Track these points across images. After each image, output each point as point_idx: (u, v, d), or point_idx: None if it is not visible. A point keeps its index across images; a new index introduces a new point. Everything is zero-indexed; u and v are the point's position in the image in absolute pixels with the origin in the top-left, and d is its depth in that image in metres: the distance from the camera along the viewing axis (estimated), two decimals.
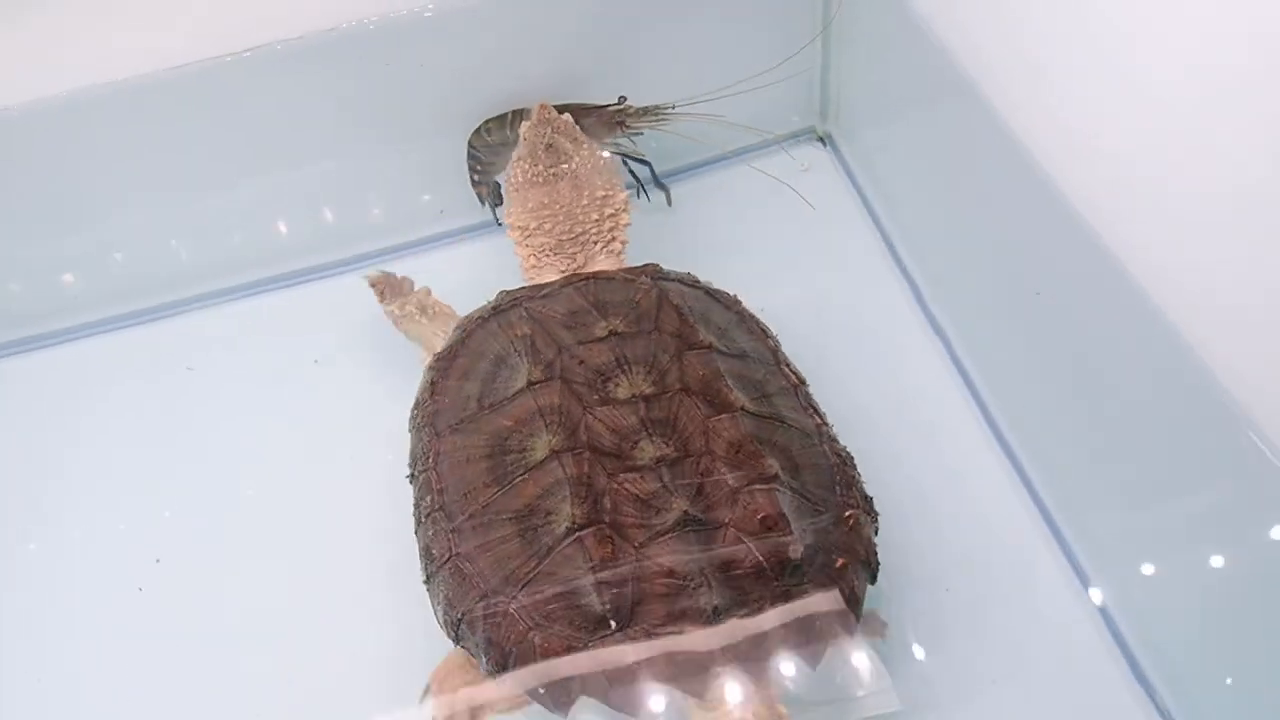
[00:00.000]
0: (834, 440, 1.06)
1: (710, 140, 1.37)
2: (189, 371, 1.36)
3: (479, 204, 1.42)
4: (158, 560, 1.19)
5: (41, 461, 1.31)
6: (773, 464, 0.95)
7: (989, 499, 1.16)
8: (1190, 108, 0.88)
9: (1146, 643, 1.03)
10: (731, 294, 1.20)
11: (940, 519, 1.11)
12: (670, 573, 0.89)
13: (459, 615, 0.93)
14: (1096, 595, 1.07)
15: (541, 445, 0.98)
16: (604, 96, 1.34)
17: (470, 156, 1.38)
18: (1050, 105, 1.05)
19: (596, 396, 1.00)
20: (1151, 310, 0.93)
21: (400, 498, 1.08)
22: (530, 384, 1.02)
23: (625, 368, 1.02)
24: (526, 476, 0.96)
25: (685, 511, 0.91)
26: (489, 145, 1.36)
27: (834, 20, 1.41)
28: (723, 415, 0.99)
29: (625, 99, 1.33)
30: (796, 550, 0.91)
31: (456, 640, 0.94)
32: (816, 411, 1.08)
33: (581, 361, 1.03)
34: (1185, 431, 0.95)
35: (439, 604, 0.96)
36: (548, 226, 1.21)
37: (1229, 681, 0.95)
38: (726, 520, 0.92)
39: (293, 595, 1.14)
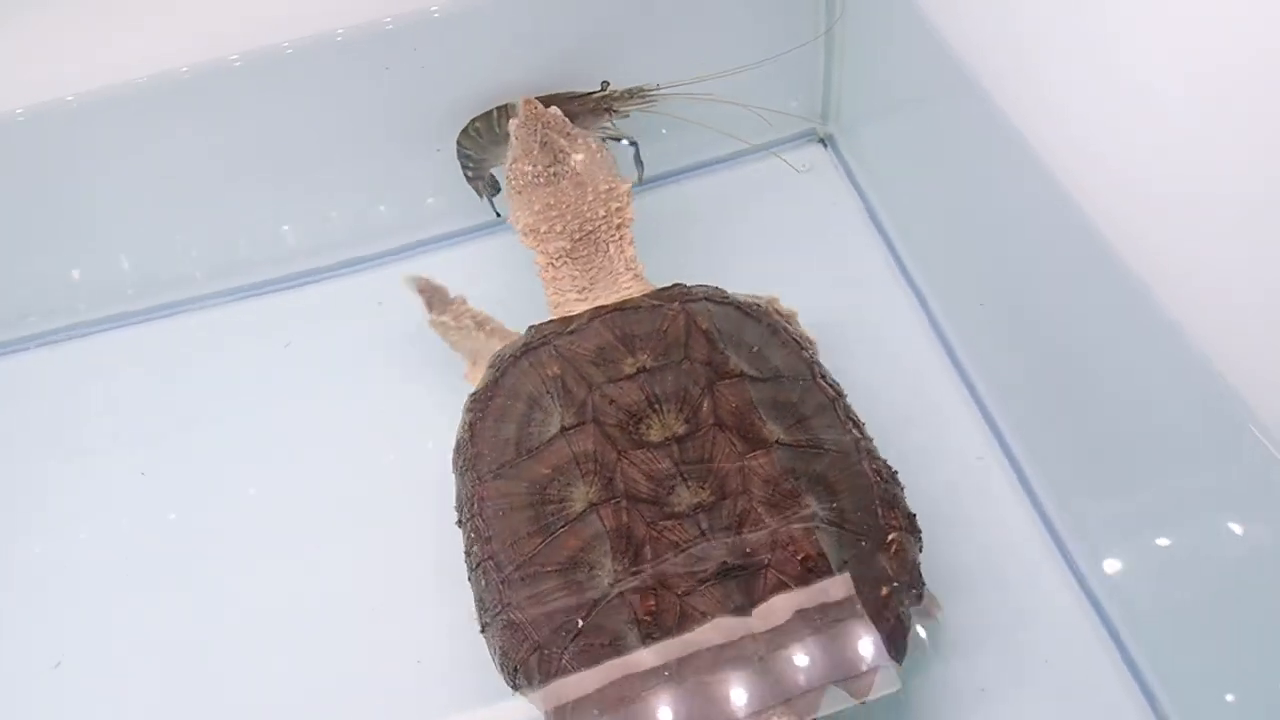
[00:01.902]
0: (873, 455, 1.06)
1: (705, 121, 1.35)
2: (198, 368, 1.39)
3: (477, 197, 1.40)
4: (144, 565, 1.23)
5: (54, 457, 1.34)
6: (809, 503, 0.97)
7: (985, 493, 1.19)
8: (1196, 106, 0.88)
9: (1138, 633, 1.06)
10: (763, 304, 1.19)
11: (936, 513, 1.11)
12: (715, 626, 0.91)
13: (514, 666, 0.98)
14: (1090, 585, 1.11)
15: (579, 496, 1.00)
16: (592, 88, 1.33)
17: (461, 155, 1.37)
18: (1054, 104, 1.05)
19: (630, 439, 1.01)
20: (1152, 304, 0.94)
21: (426, 490, 1.16)
22: (564, 429, 1.03)
23: (656, 407, 1.03)
24: (567, 529, 0.99)
25: (724, 562, 0.93)
26: (478, 144, 1.34)
27: (837, 22, 1.39)
28: (757, 451, 1.00)
29: (608, 84, 1.32)
30: (839, 592, 0.93)
31: (515, 688, 0.99)
32: (855, 425, 1.08)
33: (612, 401, 1.04)
34: (1184, 422, 0.97)
35: (495, 654, 1.01)
36: (558, 229, 1.22)
37: (1221, 676, 0.98)
38: (767, 563, 0.93)
39: (306, 592, 1.19)
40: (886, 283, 1.38)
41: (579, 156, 1.23)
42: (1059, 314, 1.11)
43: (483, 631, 1.03)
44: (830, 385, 1.11)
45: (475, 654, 1.03)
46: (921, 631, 1.07)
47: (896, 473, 1.07)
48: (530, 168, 1.23)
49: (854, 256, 1.41)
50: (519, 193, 1.24)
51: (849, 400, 1.11)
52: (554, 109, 1.26)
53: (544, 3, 1.31)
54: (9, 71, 1.28)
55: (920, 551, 1.02)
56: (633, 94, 1.31)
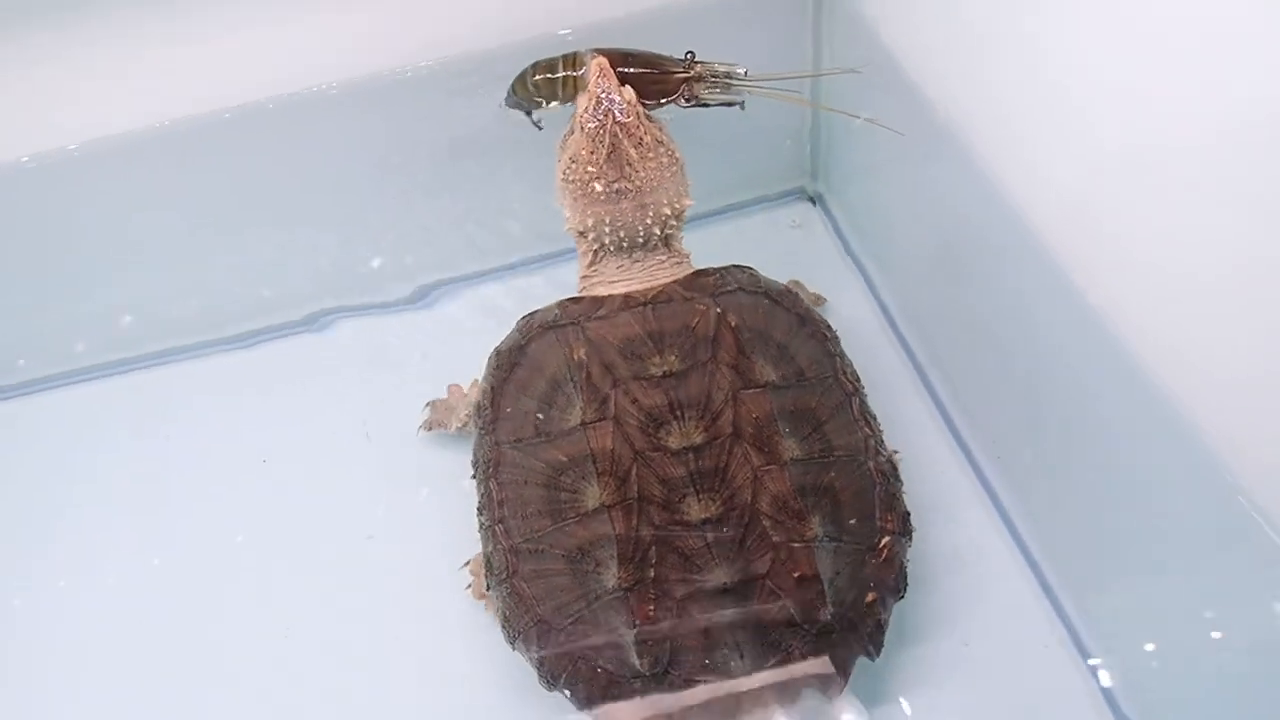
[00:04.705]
0: (879, 451, 1.09)
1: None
2: (190, 418, 1.39)
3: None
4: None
5: (59, 499, 1.33)
6: (814, 524, 1.00)
7: (984, 564, 1.18)
8: (1183, 167, 0.90)
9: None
10: (792, 290, 1.20)
11: (936, 582, 1.15)
12: (706, 632, 0.97)
13: (515, 632, 1.01)
14: (1096, 669, 1.10)
15: (592, 494, 1.01)
16: None
17: (511, 101, 1.25)
18: (1037, 164, 1.08)
19: (648, 442, 1.02)
20: (1145, 377, 0.97)
21: (420, 540, 1.20)
22: (584, 423, 1.04)
23: (678, 413, 1.03)
24: (577, 521, 1.01)
25: (724, 583, 0.97)
26: (533, 97, 1.22)
27: (823, 81, 1.42)
28: (771, 466, 1.01)
29: (693, 56, 1.18)
30: (827, 614, 0.98)
31: (513, 648, 1.03)
32: (868, 421, 1.11)
33: (635, 400, 1.04)
34: (1174, 494, 1.00)
35: (498, 614, 1.05)
36: (607, 239, 1.14)
37: None
38: (764, 574, 0.98)
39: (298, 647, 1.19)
40: (874, 336, 1.41)
41: (648, 174, 1.12)
42: (1047, 370, 1.14)
43: (487, 590, 1.05)
44: (849, 379, 1.14)
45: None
46: (907, 704, 1.10)
47: (897, 468, 1.10)
48: (591, 178, 1.12)
49: (842, 311, 1.44)
50: (574, 198, 1.14)
51: (865, 393, 1.14)
52: (629, 93, 1.11)
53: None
54: (11, 120, 1.28)
55: (910, 545, 1.07)
56: (718, 79, 1.18)
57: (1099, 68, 0.97)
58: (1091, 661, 1.11)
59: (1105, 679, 1.10)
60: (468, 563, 1.14)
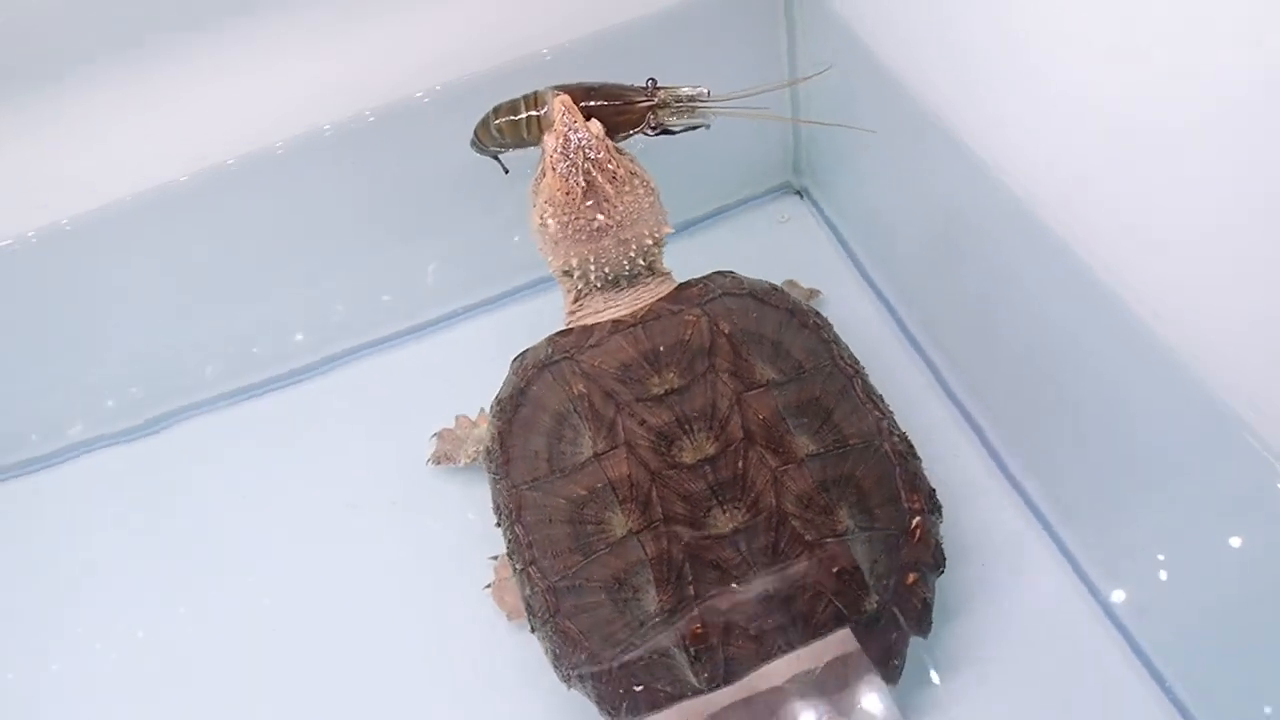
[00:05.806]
0: (892, 432, 1.09)
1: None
2: (211, 472, 1.40)
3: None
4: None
5: (86, 564, 1.34)
6: (843, 517, 1.02)
7: (1004, 541, 1.20)
8: (1157, 133, 0.92)
9: (1157, 644, 1.10)
10: (779, 286, 1.20)
11: (956, 560, 1.14)
12: (757, 639, 0.98)
13: (567, 671, 1.03)
14: (1126, 629, 1.12)
15: (618, 523, 1.02)
16: None
17: (476, 146, 1.24)
18: (1020, 138, 1.09)
19: (663, 461, 1.03)
20: (1147, 335, 0.99)
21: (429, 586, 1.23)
22: (596, 454, 1.04)
23: (686, 427, 1.04)
24: (608, 552, 1.02)
25: (766, 590, 0.98)
26: (498, 143, 1.20)
27: (801, 79, 1.40)
28: (789, 465, 1.02)
29: (655, 82, 1.16)
30: (873, 603, 1.00)
31: (569, 686, 1.03)
32: (875, 403, 1.11)
33: (643, 422, 1.04)
34: (1186, 454, 1.02)
35: (548, 655, 1.05)
36: (591, 277, 1.14)
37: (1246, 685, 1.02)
38: (803, 574, 0.99)
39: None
40: (872, 323, 1.42)
41: (626, 208, 1.11)
42: (1052, 344, 1.15)
43: (532, 631, 1.06)
44: (848, 363, 1.14)
45: None
46: (935, 673, 1.12)
47: (913, 445, 1.11)
48: (570, 219, 1.10)
49: (838, 301, 1.44)
50: (554, 242, 1.13)
51: (867, 374, 1.15)
52: (596, 127, 1.10)
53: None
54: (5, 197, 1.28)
55: (940, 521, 1.09)
56: (682, 103, 1.16)
57: (1080, 39, 0.97)
58: (1119, 621, 1.12)
59: (1138, 639, 1.11)
60: (488, 586, 1.18)
